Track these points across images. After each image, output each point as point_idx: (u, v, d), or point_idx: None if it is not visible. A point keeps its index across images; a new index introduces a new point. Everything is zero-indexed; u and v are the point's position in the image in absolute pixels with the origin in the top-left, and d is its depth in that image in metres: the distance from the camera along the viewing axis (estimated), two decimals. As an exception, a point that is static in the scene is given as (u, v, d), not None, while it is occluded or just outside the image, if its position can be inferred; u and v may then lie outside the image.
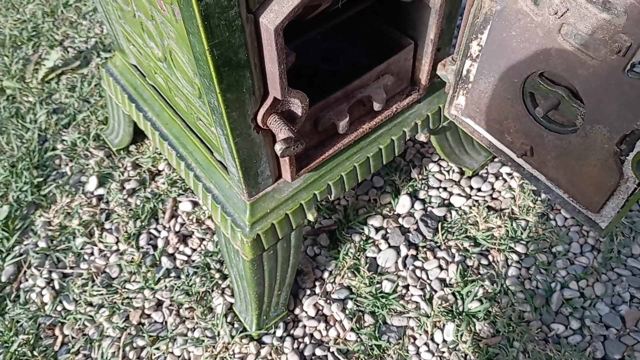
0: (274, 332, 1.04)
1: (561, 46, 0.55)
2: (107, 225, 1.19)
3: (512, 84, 0.63)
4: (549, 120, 0.62)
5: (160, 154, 1.29)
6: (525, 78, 0.61)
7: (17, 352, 1.03)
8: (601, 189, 0.58)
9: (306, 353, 1.01)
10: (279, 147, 0.69)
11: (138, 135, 1.28)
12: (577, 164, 0.59)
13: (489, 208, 1.18)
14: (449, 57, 0.78)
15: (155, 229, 1.18)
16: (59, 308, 1.08)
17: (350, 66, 0.95)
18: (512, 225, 1.15)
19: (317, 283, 1.09)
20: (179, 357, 1.02)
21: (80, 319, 1.07)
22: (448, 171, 1.25)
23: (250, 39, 0.59)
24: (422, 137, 1.01)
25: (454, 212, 1.18)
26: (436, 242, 1.14)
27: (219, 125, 0.71)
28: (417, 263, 1.11)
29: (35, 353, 1.03)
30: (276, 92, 0.65)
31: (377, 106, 0.87)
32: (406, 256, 1.12)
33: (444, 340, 1.02)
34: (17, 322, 1.07)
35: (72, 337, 1.05)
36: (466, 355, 1.00)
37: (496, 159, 1.25)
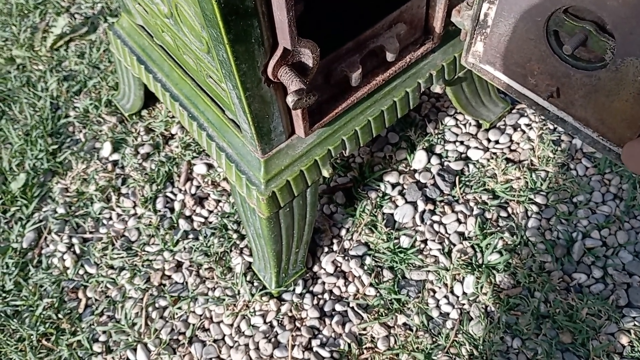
0: (294, 290, 1.04)
1: (587, -23, 0.52)
2: (123, 190, 1.20)
3: (534, 24, 0.60)
4: (575, 58, 0.59)
5: (172, 117, 1.29)
6: (549, 15, 0.58)
7: (42, 315, 1.05)
8: (633, 124, 0.56)
9: (326, 309, 1.02)
10: (290, 99, 0.68)
11: (149, 100, 1.27)
12: (608, 100, 0.57)
13: (508, 160, 1.16)
14: (463, 2, 0.75)
15: (172, 192, 1.19)
16: (81, 272, 1.10)
17: (361, 15, 0.92)
18: (531, 176, 1.13)
19: (335, 240, 1.09)
20: (200, 315, 1.03)
21: (102, 281, 1.08)
22: (464, 124, 1.22)
23: (256, -15, 0.57)
24: (437, 89, 0.99)
25: (471, 166, 1.16)
26: (454, 196, 1.13)
27: (229, 79, 0.69)
28: (435, 217, 1.10)
29: (60, 316, 1.05)
30: (286, 42, 0.63)
31: (390, 56, 0.85)
32: (423, 211, 1.11)
33: (464, 293, 1.02)
34: (41, 286, 1.09)
35: (96, 300, 1.07)
36: (486, 306, 1.00)
37: (514, 110, 1.22)
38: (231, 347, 1.00)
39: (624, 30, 0.51)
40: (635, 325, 0.96)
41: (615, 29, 0.52)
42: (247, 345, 1.00)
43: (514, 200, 1.11)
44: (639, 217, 1.07)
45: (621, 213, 1.07)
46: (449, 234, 1.08)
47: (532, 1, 0.59)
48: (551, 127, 1.19)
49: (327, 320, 1.01)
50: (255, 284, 1.05)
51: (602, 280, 1.01)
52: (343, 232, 1.10)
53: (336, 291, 1.04)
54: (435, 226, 1.09)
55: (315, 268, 1.07)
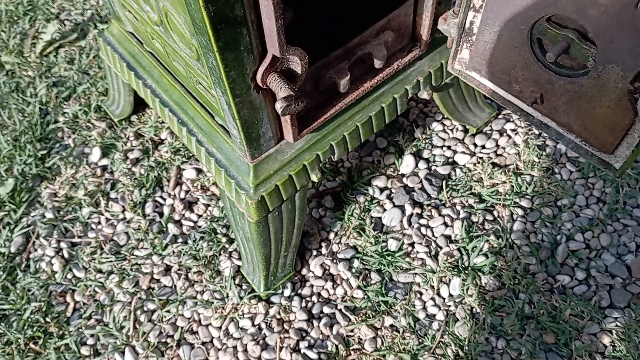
0: (282, 292, 1.05)
1: (570, -13, 0.54)
2: (112, 195, 1.20)
3: (519, 32, 0.62)
4: (558, 65, 0.61)
5: (162, 122, 1.29)
6: (532, 24, 0.60)
7: (30, 319, 1.05)
8: (615, 130, 0.57)
9: (314, 311, 1.03)
10: (279, 106, 0.69)
11: (139, 105, 1.28)
12: (590, 106, 0.59)
13: (494, 164, 1.18)
14: (450, 10, 0.77)
15: (161, 196, 1.19)
16: (69, 276, 1.10)
17: (349, 23, 0.94)
18: (516, 180, 1.15)
19: (323, 244, 1.10)
20: (189, 318, 1.04)
21: (90, 285, 1.08)
22: (452, 129, 1.24)
23: (245, -6, 0.58)
24: (424, 95, 1.00)
25: (458, 170, 1.18)
26: (441, 200, 1.14)
27: (218, 86, 0.70)
28: (422, 221, 1.12)
29: (47, 319, 1.05)
30: (274, 50, 0.64)
31: (377, 63, 0.86)
32: (411, 215, 1.13)
33: (450, 295, 1.03)
34: (29, 290, 1.09)
35: (84, 303, 1.07)
36: (472, 308, 1.01)
37: (500, 115, 1.24)
38: (219, 350, 1.01)
39: (605, 39, 0.53)
40: (617, 325, 0.98)
41: (597, 37, 0.54)
42: (235, 347, 1.01)
43: (499, 204, 1.13)
44: (622, 220, 1.09)
45: (604, 216, 1.10)
46: (436, 237, 1.10)
47: (517, 9, 0.61)
48: (536, 132, 1.22)
49: (315, 323, 1.02)
50: (244, 287, 1.06)
51: (585, 282, 1.03)
52: (332, 235, 1.11)
53: (324, 294, 1.05)
54: (423, 229, 1.11)
55: (304, 271, 1.08)
